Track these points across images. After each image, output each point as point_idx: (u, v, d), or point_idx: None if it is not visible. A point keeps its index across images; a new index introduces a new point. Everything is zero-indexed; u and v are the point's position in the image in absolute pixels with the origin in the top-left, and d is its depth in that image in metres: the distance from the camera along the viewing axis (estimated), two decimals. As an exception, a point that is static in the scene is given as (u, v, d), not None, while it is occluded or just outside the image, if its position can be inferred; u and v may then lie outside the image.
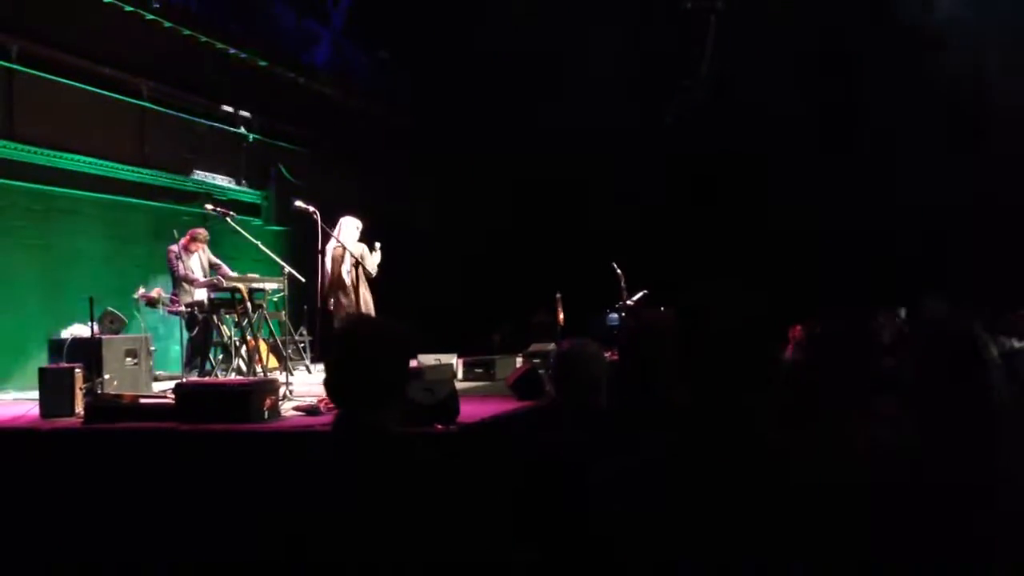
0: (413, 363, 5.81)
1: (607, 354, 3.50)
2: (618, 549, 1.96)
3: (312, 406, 5.42)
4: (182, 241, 8.74)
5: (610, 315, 11.05)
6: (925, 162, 12.93)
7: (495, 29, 13.81)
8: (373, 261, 8.68)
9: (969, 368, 2.31)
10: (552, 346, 7.80)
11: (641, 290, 10.83)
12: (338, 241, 8.47)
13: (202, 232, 8.99)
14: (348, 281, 8.60)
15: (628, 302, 10.59)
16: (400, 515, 2.08)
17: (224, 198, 11.58)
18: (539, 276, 12.32)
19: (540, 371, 6.03)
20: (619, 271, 10.58)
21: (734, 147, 14.81)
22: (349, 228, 8.64)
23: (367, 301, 8.68)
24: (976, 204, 12.75)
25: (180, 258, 8.64)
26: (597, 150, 14.76)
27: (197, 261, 8.90)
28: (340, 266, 8.61)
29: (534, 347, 8.44)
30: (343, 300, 8.58)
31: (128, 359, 6.97)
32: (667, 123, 15.08)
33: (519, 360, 8.16)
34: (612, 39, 14.42)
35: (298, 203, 8.16)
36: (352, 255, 8.49)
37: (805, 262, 13.46)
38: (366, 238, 8.82)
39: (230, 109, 12.36)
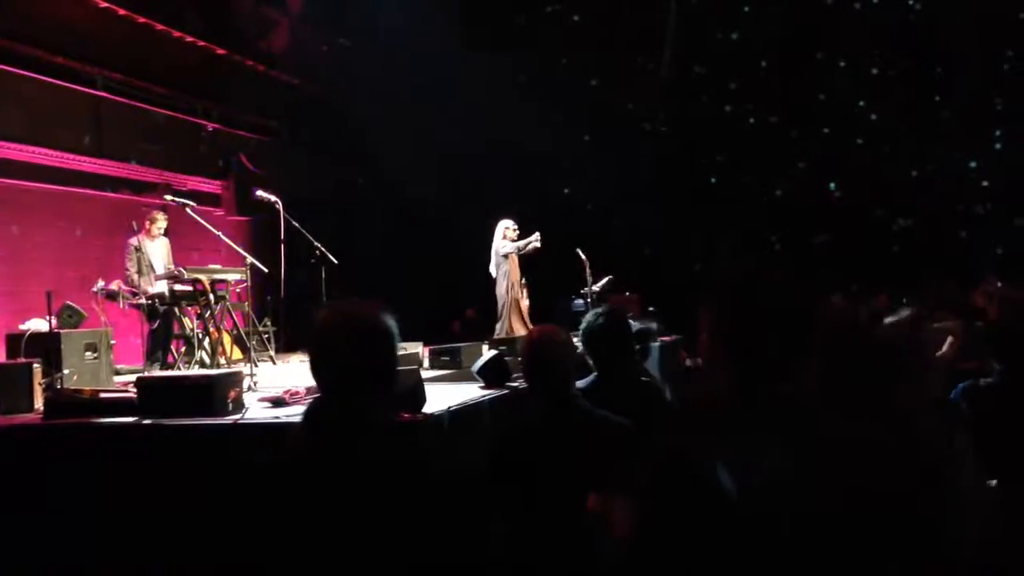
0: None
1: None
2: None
3: (278, 397, 5.35)
4: (144, 228, 8.61)
5: (575, 300, 11.08)
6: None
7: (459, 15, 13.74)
8: (507, 247, 9.53)
9: None
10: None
11: (606, 275, 10.84)
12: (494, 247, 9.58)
13: (160, 214, 8.80)
14: (497, 276, 9.55)
15: (593, 287, 10.60)
16: (395, 507, 2.05)
17: (184, 188, 11.43)
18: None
19: (506, 358, 6.00)
20: (584, 257, 10.58)
21: (695, 131, 14.91)
22: (498, 230, 9.64)
23: (514, 284, 9.53)
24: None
25: (139, 250, 8.50)
26: (560, 134, 14.76)
27: (160, 249, 8.72)
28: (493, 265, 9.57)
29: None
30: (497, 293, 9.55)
31: (88, 353, 6.84)
32: (629, 108, 15.13)
33: (486, 347, 8.13)
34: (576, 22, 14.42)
35: (260, 192, 8.07)
36: (497, 254, 9.54)
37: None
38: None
39: (188, 98, 12.18)
